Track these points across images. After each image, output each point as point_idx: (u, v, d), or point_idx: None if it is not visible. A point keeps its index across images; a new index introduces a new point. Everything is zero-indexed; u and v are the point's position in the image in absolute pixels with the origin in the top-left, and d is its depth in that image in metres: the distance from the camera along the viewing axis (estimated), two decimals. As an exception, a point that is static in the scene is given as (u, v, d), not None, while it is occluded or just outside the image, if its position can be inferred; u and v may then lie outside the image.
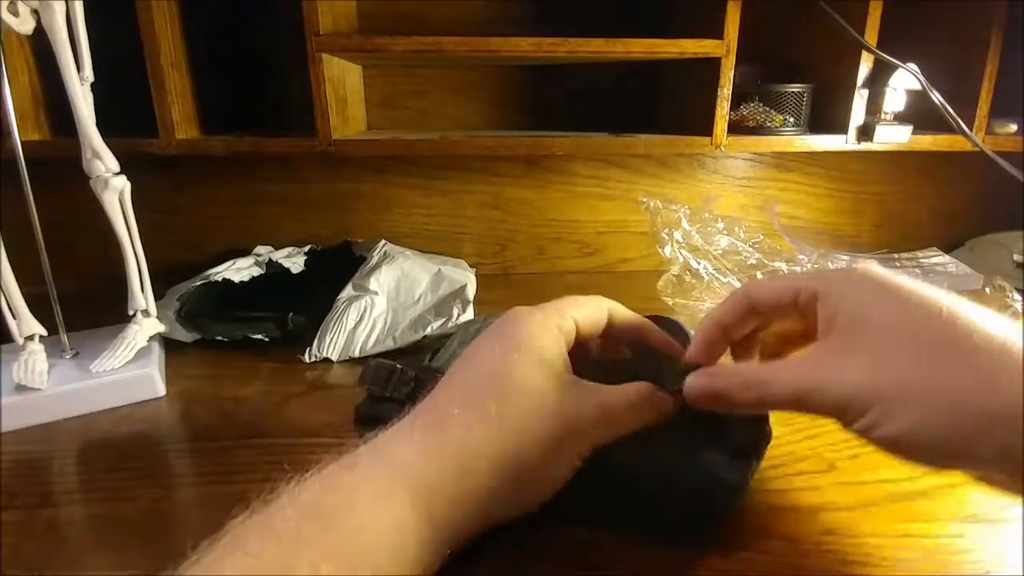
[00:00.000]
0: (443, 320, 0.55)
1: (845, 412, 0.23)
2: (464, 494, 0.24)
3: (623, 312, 0.32)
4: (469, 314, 0.57)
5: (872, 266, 0.26)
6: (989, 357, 0.21)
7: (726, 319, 0.30)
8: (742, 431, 0.31)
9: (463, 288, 0.61)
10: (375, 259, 0.62)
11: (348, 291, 0.56)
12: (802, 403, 0.25)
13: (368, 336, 0.53)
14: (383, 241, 0.68)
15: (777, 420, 0.33)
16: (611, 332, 0.32)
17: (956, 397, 0.21)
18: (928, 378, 0.22)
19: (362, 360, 0.51)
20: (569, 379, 0.28)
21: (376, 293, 0.56)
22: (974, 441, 0.20)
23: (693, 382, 0.28)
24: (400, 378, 0.36)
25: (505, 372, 0.26)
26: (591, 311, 0.31)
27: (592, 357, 0.33)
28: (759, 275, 0.59)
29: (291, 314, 0.54)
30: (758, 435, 0.32)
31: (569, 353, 0.29)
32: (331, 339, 0.51)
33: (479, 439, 0.25)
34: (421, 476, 0.24)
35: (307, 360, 0.51)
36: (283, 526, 0.21)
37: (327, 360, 0.51)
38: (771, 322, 0.31)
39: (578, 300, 0.31)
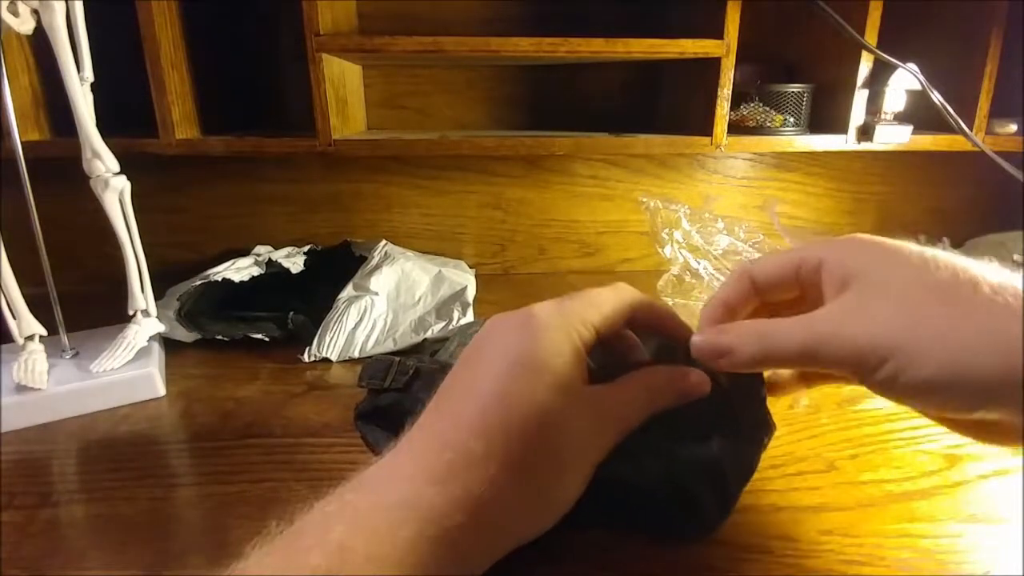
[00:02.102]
0: (444, 323, 0.55)
1: (863, 362, 0.23)
2: (495, 537, 0.24)
3: (643, 302, 0.31)
4: (469, 317, 0.57)
5: (867, 235, 0.26)
6: (1004, 304, 0.21)
7: (730, 299, 0.30)
8: (744, 421, 0.31)
9: (463, 290, 0.61)
10: (376, 259, 0.62)
11: (348, 291, 0.56)
12: (815, 353, 0.24)
13: (368, 337, 0.53)
14: (384, 241, 0.68)
15: (777, 420, 0.33)
16: (633, 323, 0.31)
17: (977, 340, 0.21)
18: (950, 324, 0.22)
19: (361, 360, 0.51)
20: (587, 395, 0.27)
21: (376, 294, 0.56)
22: (994, 383, 0.21)
23: (699, 339, 0.28)
24: (399, 369, 0.35)
25: (527, 402, 0.25)
26: (612, 310, 0.29)
27: (611, 355, 0.33)
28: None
29: (291, 313, 0.54)
30: (761, 424, 0.32)
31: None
32: (331, 339, 0.51)
33: (510, 486, 0.24)
34: (453, 527, 0.23)
35: (306, 360, 0.51)
36: (308, 567, 0.20)
37: (327, 360, 0.51)
38: (771, 299, 0.30)
39: (600, 300, 0.29)
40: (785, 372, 0.32)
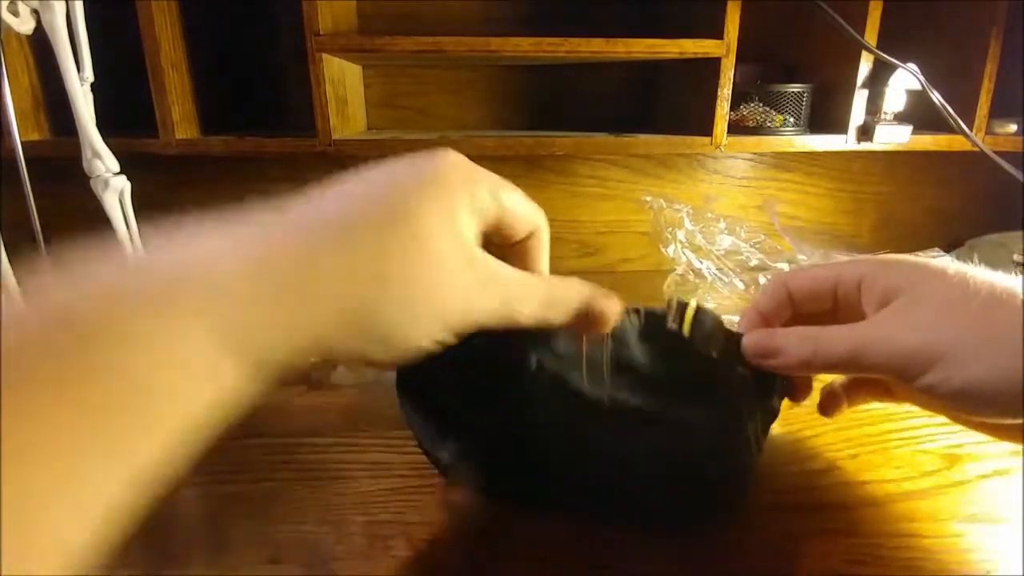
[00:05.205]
0: None
1: (909, 365, 0.24)
2: (296, 309, 0.19)
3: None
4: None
5: (902, 255, 0.28)
6: None
7: (765, 308, 0.31)
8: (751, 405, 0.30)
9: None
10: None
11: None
12: (863, 357, 0.25)
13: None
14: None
15: (777, 420, 0.33)
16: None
17: (1020, 346, 0.22)
18: (996, 330, 0.23)
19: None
20: (476, 250, 0.22)
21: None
22: None
23: (750, 339, 0.29)
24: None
25: (414, 215, 0.21)
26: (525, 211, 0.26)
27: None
28: (762, 278, 0.59)
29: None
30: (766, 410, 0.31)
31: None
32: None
33: (328, 244, 0.20)
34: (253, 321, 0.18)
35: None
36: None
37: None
38: (805, 311, 0.31)
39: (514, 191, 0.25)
40: (836, 385, 0.34)
